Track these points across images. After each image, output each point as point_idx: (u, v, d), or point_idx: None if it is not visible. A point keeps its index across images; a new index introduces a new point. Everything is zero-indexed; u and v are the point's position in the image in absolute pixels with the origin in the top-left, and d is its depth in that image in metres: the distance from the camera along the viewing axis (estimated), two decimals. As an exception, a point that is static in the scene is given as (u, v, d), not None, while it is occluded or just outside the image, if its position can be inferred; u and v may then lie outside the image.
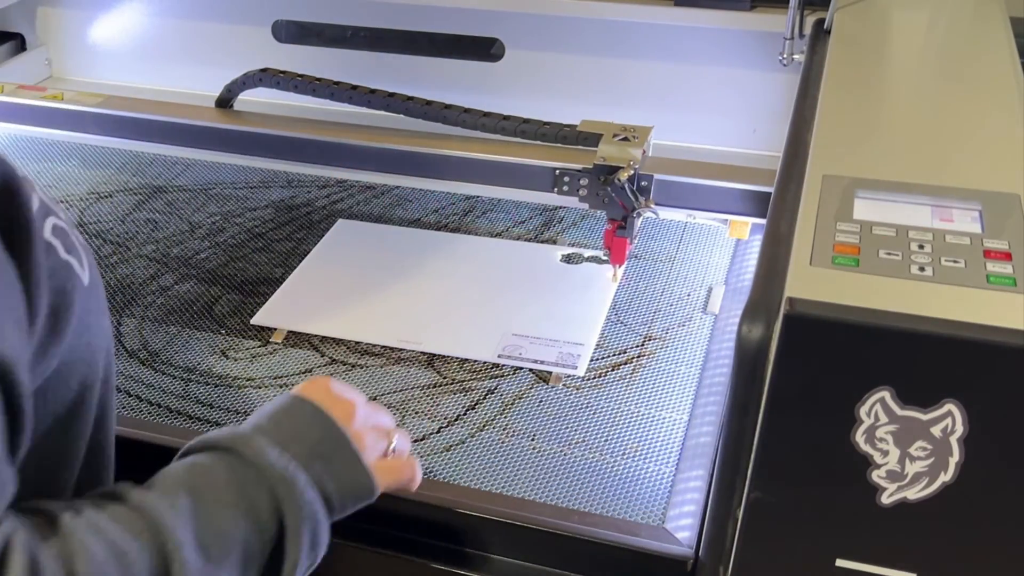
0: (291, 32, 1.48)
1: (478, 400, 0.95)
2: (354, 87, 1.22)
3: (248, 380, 0.98)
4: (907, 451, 0.65)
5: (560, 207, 1.26)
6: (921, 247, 0.70)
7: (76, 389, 0.62)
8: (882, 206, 0.74)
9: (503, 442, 0.91)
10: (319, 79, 1.23)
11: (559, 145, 1.13)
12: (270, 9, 1.48)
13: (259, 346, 1.03)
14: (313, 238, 1.20)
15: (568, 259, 1.16)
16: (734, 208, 1.13)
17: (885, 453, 0.65)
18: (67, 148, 1.40)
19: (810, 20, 1.21)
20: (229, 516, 0.62)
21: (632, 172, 1.06)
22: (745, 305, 0.69)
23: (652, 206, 1.08)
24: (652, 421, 0.93)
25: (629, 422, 0.93)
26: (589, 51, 1.41)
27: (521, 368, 0.99)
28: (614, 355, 1.01)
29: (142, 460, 0.91)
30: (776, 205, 0.82)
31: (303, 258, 1.16)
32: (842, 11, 1.15)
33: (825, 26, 1.17)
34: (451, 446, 0.90)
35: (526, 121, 1.14)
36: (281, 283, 1.12)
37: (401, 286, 1.12)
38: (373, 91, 1.21)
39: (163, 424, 0.93)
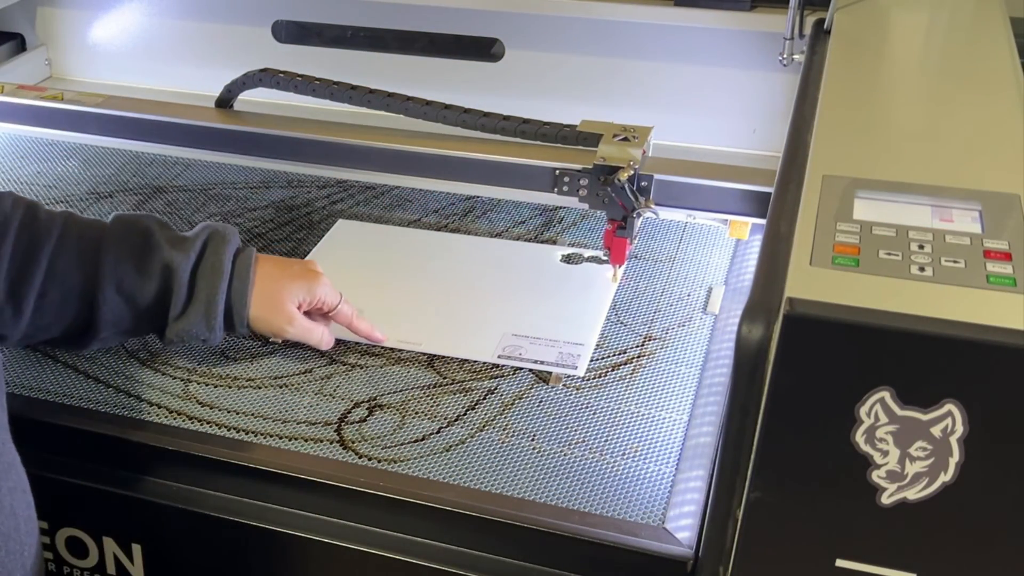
0: (291, 32, 1.48)
1: (478, 400, 0.96)
2: (354, 87, 1.22)
3: (248, 380, 0.98)
4: (907, 451, 0.65)
5: (560, 207, 1.26)
6: (921, 247, 0.70)
7: None
8: (882, 206, 0.75)
9: (503, 442, 0.91)
10: (319, 79, 1.23)
11: (559, 145, 1.13)
12: (270, 9, 1.48)
13: (259, 346, 1.03)
14: (313, 238, 1.20)
15: (568, 259, 1.16)
16: (734, 208, 1.13)
17: (885, 453, 0.65)
18: (67, 148, 1.40)
19: (810, 20, 1.21)
20: None
21: (632, 172, 1.06)
22: (745, 305, 0.69)
23: (652, 206, 1.08)
24: (652, 421, 0.93)
25: (629, 422, 0.93)
26: (589, 51, 1.41)
27: (521, 368, 0.99)
28: (614, 355, 1.01)
29: (142, 460, 0.91)
30: (776, 205, 0.82)
31: (303, 258, 1.16)
32: (842, 11, 1.15)
33: (825, 26, 1.17)
34: (451, 446, 0.90)
35: (526, 121, 1.14)
36: (281, 283, 1.12)
37: (401, 286, 1.12)
38: (373, 91, 1.21)
39: (163, 424, 0.93)
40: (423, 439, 0.91)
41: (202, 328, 0.91)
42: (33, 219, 0.89)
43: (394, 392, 0.97)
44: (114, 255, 0.89)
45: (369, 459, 0.89)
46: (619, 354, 1.01)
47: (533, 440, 0.91)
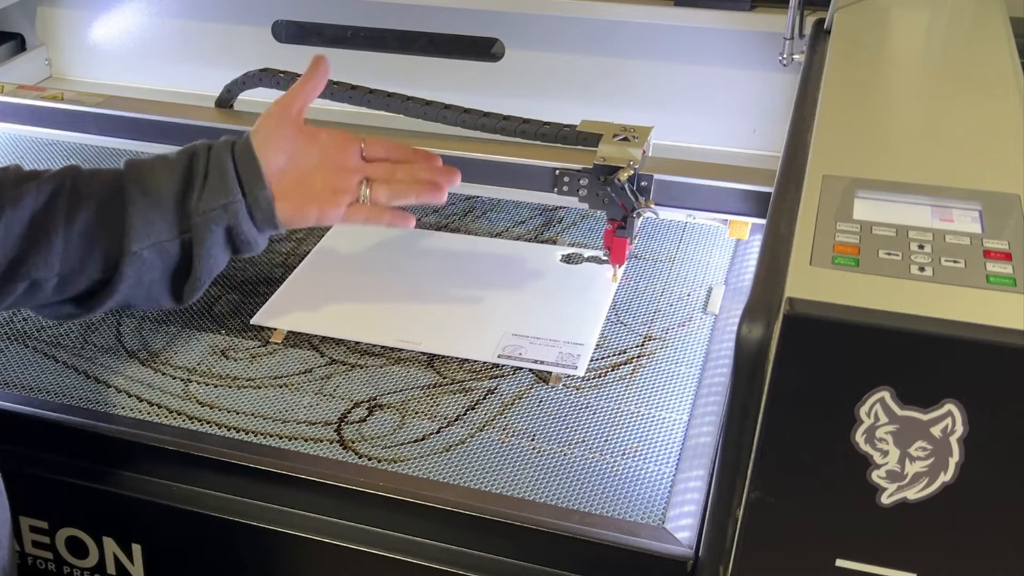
0: (291, 32, 1.48)
1: (478, 400, 0.96)
2: (354, 87, 1.21)
3: (248, 380, 0.98)
4: (907, 451, 0.65)
5: (560, 207, 1.26)
6: (921, 247, 0.70)
7: None
8: (882, 206, 0.75)
9: (503, 442, 0.91)
10: (319, 79, 1.23)
11: (559, 145, 1.13)
12: (270, 9, 1.48)
13: (259, 346, 1.03)
14: (313, 238, 1.20)
15: (568, 259, 1.16)
16: (734, 208, 1.13)
17: (885, 453, 0.65)
18: (67, 148, 1.40)
19: (810, 20, 1.21)
20: None
21: (632, 172, 1.06)
22: (745, 305, 0.69)
23: (652, 206, 1.08)
24: (652, 421, 0.93)
25: (629, 422, 0.93)
26: (589, 51, 1.41)
27: (521, 368, 0.99)
28: (614, 355, 1.01)
29: (142, 460, 0.91)
30: (776, 205, 0.82)
31: (303, 258, 1.16)
32: (842, 11, 1.15)
33: (825, 26, 1.17)
34: (451, 446, 0.90)
35: (526, 121, 1.14)
36: (281, 283, 1.12)
37: (401, 286, 1.12)
38: (373, 91, 1.21)
39: (163, 424, 0.93)
40: (423, 439, 0.91)
41: (219, 193, 0.83)
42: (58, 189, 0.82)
43: (394, 392, 0.97)
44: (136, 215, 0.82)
45: (369, 459, 0.89)
46: (619, 354, 1.01)
47: (533, 440, 0.91)
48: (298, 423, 0.93)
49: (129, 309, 0.84)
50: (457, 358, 1.01)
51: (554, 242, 1.20)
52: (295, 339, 1.04)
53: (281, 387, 0.98)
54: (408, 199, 0.91)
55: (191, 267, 0.83)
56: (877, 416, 0.64)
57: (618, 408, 0.94)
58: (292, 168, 0.87)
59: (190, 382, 0.98)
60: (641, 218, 1.11)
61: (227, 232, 0.83)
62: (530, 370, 0.99)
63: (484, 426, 0.92)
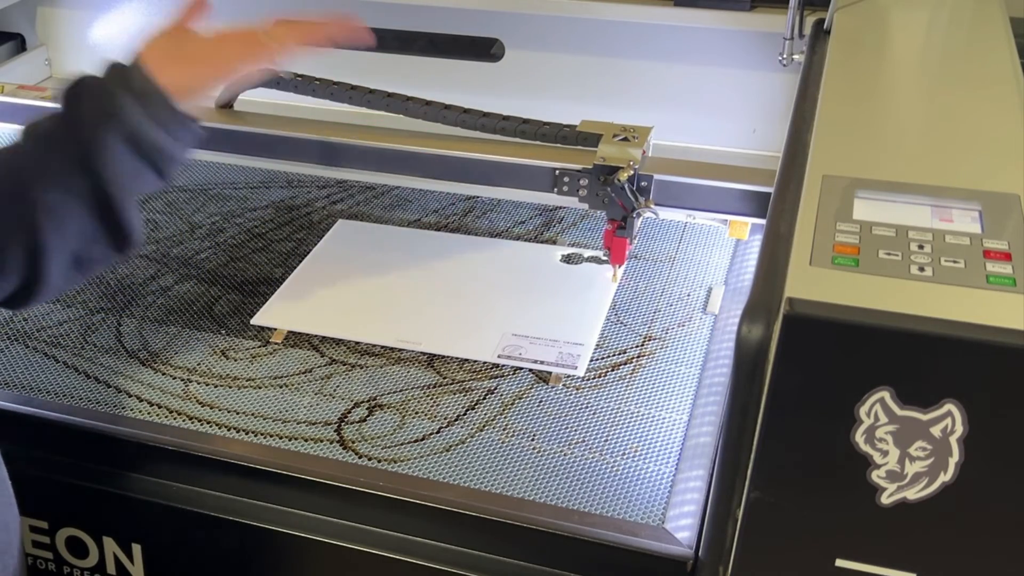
0: (291, 32, 1.47)
1: (478, 400, 0.96)
2: (354, 87, 1.21)
3: (248, 380, 0.98)
4: (907, 451, 0.65)
5: (560, 207, 1.26)
6: (921, 247, 0.70)
7: None
8: (882, 206, 0.75)
9: (503, 442, 0.91)
10: (319, 79, 1.23)
11: (559, 145, 1.13)
12: (270, 9, 1.48)
13: (259, 346, 1.03)
14: (313, 238, 1.20)
15: (568, 259, 1.16)
16: (734, 208, 1.13)
17: (885, 453, 0.65)
18: (67, 148, 1.40)
19: (810, 20, 1.21)
20: None
21: (632, 172, 1.06)
22: (745, 305, 0.69)
23: (652, 206, 1.08)
24: (652, 421, 0.93)
25: (629, 422, 0.93)
26: (589, 51, 1.41)
27: (521, 368, 0.99)
28: (614, 355, 1.01)
29: (142, 460, 0.91)
30: (776, 205, 0.82)
31: (303, 258, 1.17)
32: (842, 11, 1.15)
33: (825, 26, 1.17)
34: (451, 446, 0.90)
35: (526, 121, 1.14)
36: (281, 283, 1.12)
37: (401, 286, 1.12)
38: (373, 91, 1.21)
39: (163, 424, 0.93)
40: (423, 439, 0.91)
41: (98, 105, 0.75)
42: None
43: (394, 392, 0.97)
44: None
45: (369, 459, 0.89)
46: (619, 354, 1.01)
47: (533, 440, 0.91)
48: (298, 423, 0.93)
49: (91, 270, 0.78)
50: (457, 358, 1.01)
51: (554, 242, 1.20)
52: (295, 339, 1.04)
53: (281, 387, 0.98)
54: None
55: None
56: (877, 416, 0.64)
57: (618, 408, 0.94)
58: (175, 45, 0.81)
59: (190, 382, 0.98)
60: (641, 218, 1.10)
61: (129, 142, 0.75)
62: (530, 370, 0.99)
63: (484, 426, 0.92)
